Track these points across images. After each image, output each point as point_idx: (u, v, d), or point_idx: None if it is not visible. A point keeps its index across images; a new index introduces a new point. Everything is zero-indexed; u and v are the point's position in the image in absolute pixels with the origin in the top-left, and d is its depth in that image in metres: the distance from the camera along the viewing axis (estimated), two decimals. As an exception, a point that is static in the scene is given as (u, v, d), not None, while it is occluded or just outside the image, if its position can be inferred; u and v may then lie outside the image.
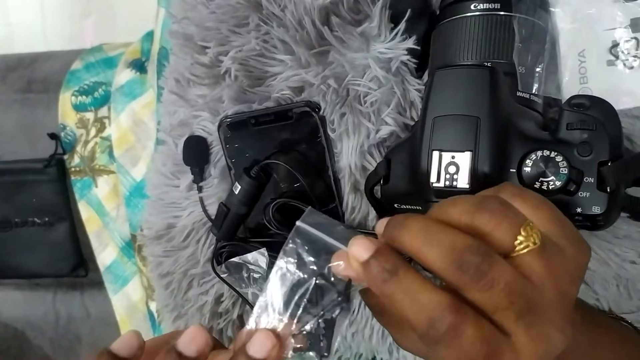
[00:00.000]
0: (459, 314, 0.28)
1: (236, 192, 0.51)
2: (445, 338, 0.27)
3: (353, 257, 0.30)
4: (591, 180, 0.38)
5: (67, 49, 1.03)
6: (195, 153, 0.53)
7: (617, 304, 0.48)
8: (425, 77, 0.49)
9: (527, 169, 0.38)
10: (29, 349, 0.92)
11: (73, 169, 0.83)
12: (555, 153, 0.38)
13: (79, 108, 0.83)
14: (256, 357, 0.31)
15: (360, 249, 0.30)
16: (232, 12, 0.51)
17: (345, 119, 0.49)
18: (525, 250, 0.29)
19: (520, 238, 0.29)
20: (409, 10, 0.48)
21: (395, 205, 0.45)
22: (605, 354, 0.41)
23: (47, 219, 0.84)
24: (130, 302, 0.80)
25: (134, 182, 0.77)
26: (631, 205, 0.44)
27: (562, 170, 0.37)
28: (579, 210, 0.38)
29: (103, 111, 0.83)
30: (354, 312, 0.53)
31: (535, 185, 0.38)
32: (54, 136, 0.82)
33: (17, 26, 1.67)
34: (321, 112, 0.49)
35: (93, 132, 0.82)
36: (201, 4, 0.52)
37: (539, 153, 0.38)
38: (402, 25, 0.48)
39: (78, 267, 0.85)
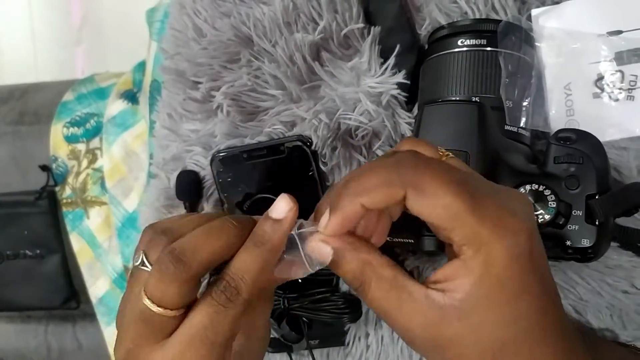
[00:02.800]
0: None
1: None
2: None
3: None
4: (579, 213, 0.38)
5: (58, 77, 1.03)
6: (188, 187, 0.53)
7: (612, 334, 0.49)
8: (415, 110, 0.50)
9: (517, 203, 0.39)
10: (20, 383, 0.91)
11: (64, 201, 0.83)
12: (544, 187, 0.39)
13: (70, 139, 0.83)
14: (276, 217, 0.32)
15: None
16: (223, 48, 0.52)
17: (337, 152, 0.50)
18: (450, 157, 0.33)
19: (440, 152, 0.33)
20: (398, 45, 0.49)
21: (388, 238, 0.46)
22: None
23: (38, 252, 0.83)
24: (122, 335, 0.80)
25: (126, 213, 0.77)
26: (621, 235, 0.44)
27: (550, 204, 0.38)
28: (568, 243, 0.38)
29: (95, 142, 0.83)
30: (348, 344, 0.53)
31: (525, 219, 0.38)
32: (45, 168, 0.82)
33: (8, 53, 1.67)
34: (313, 147, 0.50)
35: (85, 163, 0.82)
36: (193, 40, 0.53)
37: (528, 187, 0.39)
38: (391, 60, 0.49)
39: (70, 299, 0.85)
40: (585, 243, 0.38)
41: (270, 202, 0.51)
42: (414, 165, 0.29)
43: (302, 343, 0.54)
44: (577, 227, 0.38)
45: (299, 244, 0.32)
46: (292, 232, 0.32)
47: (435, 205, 0.28)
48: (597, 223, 0.38)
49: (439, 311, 0.28)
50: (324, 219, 0.31)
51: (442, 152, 0.33)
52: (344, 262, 0.31)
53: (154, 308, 0.30)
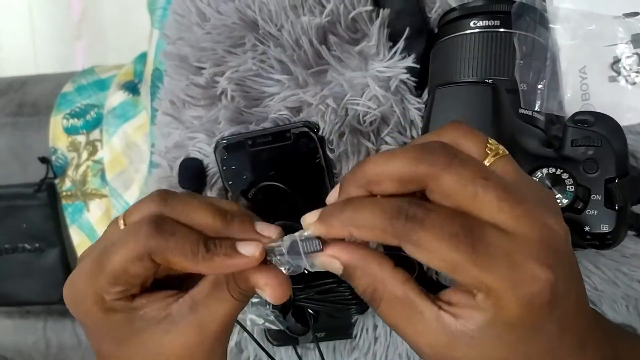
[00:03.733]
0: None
1: None
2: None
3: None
4: (598, 197, 0.37)
5: (58, 71, 1.02)
6: (192, 175, 0.52)
7: (629, 325, 0.47)
8: (425, 95, 0.49)
9: (534, 188, 0.37)
10: (19, 379, 0.90)
11: (64, 193, 0.82)
12: (561, 170, 0.37)
13: (70, 131, 0.82)
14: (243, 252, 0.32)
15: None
16: (227, 33, 0.50)
17: (344, 139, 0.48)
18: (498, 156, 0.29)
19: (489, 146, 0.29)
20: (407, 29, 0.48)
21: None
22: None
23: (37, 245, 0.82)
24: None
25: (127, 206, 0.76)
26: (638, 223, 0.43)
27: (568, 188, 0.37)
28: (587, 228, 0.37)
29: (95, 134, 0.82)
30: (355, 337, 0.52)
31: (542, 205, 0.37)
32: (44, 160, 0.81)
33: (7, 49, 1.66)
34: (320, 133, 0.49)
35: (85, 155, 0.81)
36: (196, 24, 0.52)
37: (545, 170, 0.38)
38: (400, 44, 0.48)
39: (69, 294, 0.84)
40: (605, 228, 0.37)
41: (276, 189, 0.50)
42: (405, 216, 0.27)
43: (308, 336, 0.52)
44: (595, 212, 0.37)
45: (302, 252, 0.31)
46: (297, 238, 0.32)
47: (432, 258, 0.27)
48: (616, 208, 0.37)
49: (449, 335, 0.28)
50: (309, 218, 0.31)
51: (490, 146, 0.29)
52: (354, 277, 0.30)
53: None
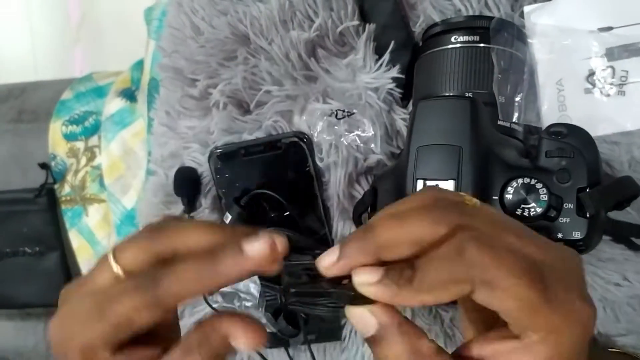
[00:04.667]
0: None
1: (226, 222, 0.52)
2: None
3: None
4: (571, 206, 0.39)
5: (57, 76, 1.04)
6: (187, 184, 0.54)
7: (605, 327, 0.49)
8: (410, 106, 0.51)
9: (509, 196, 0.39)
10: (20, 380, 0.91)
11: (64, 198, 0.83)
12: (535, 180, 0.39)
13: (69, 137, 0.84)
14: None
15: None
16: (220, 46, 0.52)
17: (334, 148, 0.50)
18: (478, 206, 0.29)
19: (466, 199, 0.29)
20: (392, 42, 0.49)
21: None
22: None
23: (37, 249, 0.84)
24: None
25: (125, 211, 0.77)
26: (613, 229, 0.45)
27: (542, 197, 0.39)
28: (560, 235, 0.39)
29: (93, 140, 0.83)
30: (344, 338, 0.54)
31: (517, 212, 0.39)
32: (44, 166, 0.82)
33: (6, 53, 1.68)
34: (310, 142, 0.51)
35: (83, 161, 0.83)
36: (190, 38, 0.54)
37: (520, 181, 0.39)
38: (386, 57, 0.49)
39: (69, 296, 0.85)
40: (577, 235, 0.39)
41: (267, 197, 0.52)
42: (479, 256, 0.26)
43: (299, 338, 0.54)
44: (568, 220, 0.39)
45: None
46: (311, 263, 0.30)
47: (508, 299, 0.26)
48: (587, 216, 0.38)
49: None
50: (367, 277, 0.27)
51: (468, 200, 0.30)
52: (386, 343, 0.27)
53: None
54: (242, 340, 0.29)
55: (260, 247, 0.29)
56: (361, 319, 0.28)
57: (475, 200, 0.30)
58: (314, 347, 0.55)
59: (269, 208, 0.53)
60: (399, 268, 0.27)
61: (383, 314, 0.27)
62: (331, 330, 0.54)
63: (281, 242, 0.30)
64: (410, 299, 0.26)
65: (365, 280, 0.27)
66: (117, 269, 0.30)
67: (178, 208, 0.56)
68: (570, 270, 0.28)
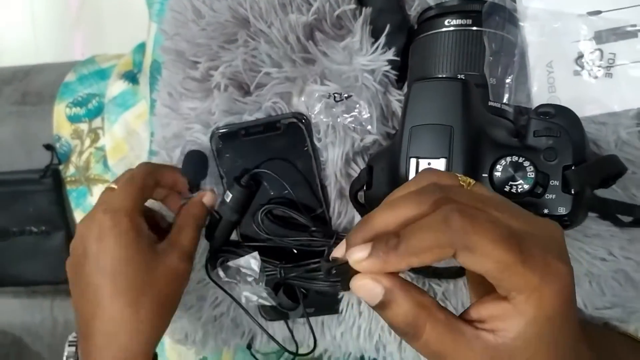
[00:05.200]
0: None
1: (227, 200, 0.53)
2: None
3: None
4: (556, 183, 0.40)
5: (58, 59, 1.04)
6: (195, 167, 0.55)
7: (591, 300, 0.51)
8: (406, 88, 0.52)
9: (498, 174, 0.41)
10: (28, 355, 0.93)
11: (68, 179, 0.85)
12: (523, 159, 0.41)
13: (73, 119, 0.85)
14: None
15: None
16: (221, 29, 0.54)
17: (331, 129, 0.52)
18: (473, 184, 0.32)
19: (461, 178, 0.32)
20: (388, 25, 0.51)
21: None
22: None
23: (43, 228, 0.86)
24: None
25: (128, 191, 0.79)
26: (600, 206, 0.47)
27: (529, 175, 0.40)
28: (545, 211, 0.41)
29: (97, 122, 0.85)
30: (341, 312, 0.56)
31: (505, 189, 0.41)
32: (49, 147, 0.83)
33: (8, 37, 1.68)
34: (308, 123, 0.52)
35: (87, 142, 0.84)
36: (192, 21, 0.55)
37: (508, 159, 0.41)
38: (382, 39, 0.51)
39: (75, 274, 0.87)
40: (562, 211, 0.40)
41: (267, 176, 0.54)
42: (461, 225, 0.28)
43: (298, 311, 0.56)
44: (554, 196, 0.41)
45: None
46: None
47: (487, 261, 0.28)
48: (572, 192, 0.40)
49: (492, 351, 0.29)
50: (359, 254, 0.30)
51: (463, 180, 0.33)
52: (395, 305, 0.30)
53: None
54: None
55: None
56: (367, 289, 0.30)
57: (469, 179, 0.32)
58: (312, 320, 0.57)
59: (268, 187, 0.55)
60: (384, 238, 0.30)
61: (386, 279, 0.30)
62: (329, 303, 0.56)
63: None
64: (397, 264, 0.29)
65: (358, 258, 0.30)
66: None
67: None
68: (549, 237, 0.30)
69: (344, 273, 0.31)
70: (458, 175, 0.33)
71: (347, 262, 0.31)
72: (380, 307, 0.30)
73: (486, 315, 0.30)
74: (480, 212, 0.29)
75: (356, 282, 0.31)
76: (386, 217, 0.31)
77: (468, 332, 0.30)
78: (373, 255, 0.30)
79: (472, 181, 0.33)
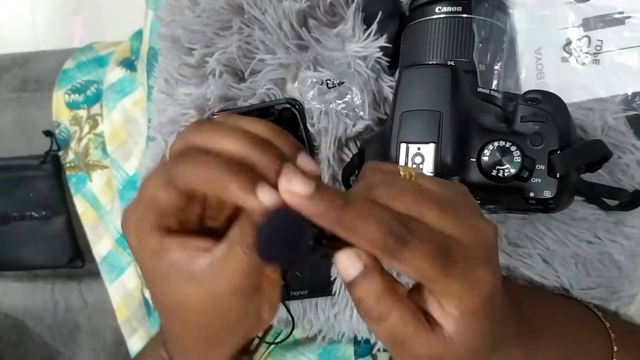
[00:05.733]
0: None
1: None
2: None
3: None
4: (542, 167, 0.42)
5: (57, 46, 1.05)
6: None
7: (577, 281, 0.52)
8: (397, 75, 0.53)
9: (485, 158, 0.42)
10: (29, 338, 0.95)
11: (68, 165, 0.86)
12: (510, 143, 0.42)
13: (72, 106, 0.86)
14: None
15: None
16: (216, 16, 0.54)
17: (324, 115, 0.53)
18: (414, 175, 0.33)
19: (401, 170, 0.34)
20: (380, 12, 0.52)
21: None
22: (551, 332, 0.44)
23: (44, 213, 0.87)
24: (126, 291, 0.83)
25: (127, 176, 0.80)
26: (587, 190, 0.48)
27: (516, 159, 0.41)
28: (531, 194, 0.42)
29: (95, 109, 0.85)
30: (335, 293, 0.57)
31: (492, 173, 0.42)
32: (48, 133, 0.84)
33: (7, 24, 1.69)
34: (301, 109, 0.53)
35: (86, 129, 0.85)
36: (187, 8, 0.56)
37: (496, 144, 0.42)
38: (374, 26, 0.52)
39: (75, 258, 0.88)
40: (547, 194, 0.42)
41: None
42: (396, 237, 0.29)
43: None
44: (539, 180, 0.42)
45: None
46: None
47: (413, 272, 0.30)
48: (558, 176, 0.41)
49: (442, 342, 0.32)
50: (303, 183, 0.28)
51: (404, 170, 0.34)
52: (368, 282, 0.31)
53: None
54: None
55: (268, 199, 0.30)
56: (349, 261, 0.31)
57: (411, 170, 0.34)
58: (307, 302, 0.59)
59: None
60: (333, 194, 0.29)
61: (368, 257, 0.31)
62: (322, 285, 0.57)
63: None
64: (328, 219, 0.28)
65: (300, 181, 0.29)
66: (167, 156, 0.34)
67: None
68: (479, 242, 0.32)
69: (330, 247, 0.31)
70: (400, 166, 0.34)
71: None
72: (355, 284, 0.31)
73: (437, 311, 0.32)
74: (414, 225, 0.30)
75: (339, 256, 0.31)
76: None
77: (425, 324, 0.32)
78: (316, 192, 0.28)
79: (414, 173, 0.34)
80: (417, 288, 0.34)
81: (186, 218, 0.34)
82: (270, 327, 0.62)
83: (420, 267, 0.30)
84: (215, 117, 0.35)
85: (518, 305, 0.39)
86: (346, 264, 0.31)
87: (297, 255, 0.29)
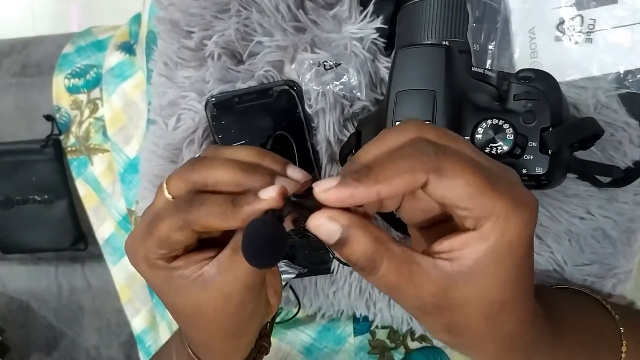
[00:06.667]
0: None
1: None
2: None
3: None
4: (534, 144, 0.42)
5: (55, 31, 1.05)
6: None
7: (571, 257, 0.54)
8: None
9: (479, 136, 0.43)
10: (34, 319, 0.96)
11: (69, 149, 0.87)
12: (503, 121, 0.43)
13: (72, 90, 0.87)
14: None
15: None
16: (214, -1, 0.55)
17: (321, 96, 0.53)
18: None
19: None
20: (376, -7, 0.52)
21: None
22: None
23: (46, 197, 0.88)
24: (128, 273, 0.85)
25: (128, 160, 0.81)
26: (580, 167, 0.49)
27: (508, 137, 0.42)
28: (524, 171, 0.43)
29: (95, 93, 0.86)
30: (333, 271, 0.58)
31: (486, 150, 0.43)
32: (49, 118, 0.85)
33: (5, 9, 1.68)
34: (299, 90, 0.54)
35: (87, 113, 0.86)
36: (185, -9, 0.56)
37: (489, 122, 0.43)
38: (370, 8, 0.52)
39: (78, 241, 0.90)
40: (539, 171, 0.42)
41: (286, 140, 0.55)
42: (433, 150, 0.30)
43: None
44: (532, 157, 0.43)
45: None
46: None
47: (458, 185, 0.29)
48: (549, 153, 0.42)
49: (447, 278, 0.30)
50: (326, 184, 0.30)
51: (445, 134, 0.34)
52: (354, 241, 0.31)
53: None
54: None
55: (272, 194, 0.34)
56: (323, 227, 0.31)
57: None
58: (306, 280, 0.60)
59: (289, 150, 0.56)
60: (354, 169, 0.30)
61: (343, 216, 0.31)
62: (321, 264, 0.58)
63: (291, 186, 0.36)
64: (367, 191, 0.29)
65: (325, 187, 0.30)
66: (167, 193, 0.38)
67: (178, 154, 0.59)
68: (513, 177, 0.33)
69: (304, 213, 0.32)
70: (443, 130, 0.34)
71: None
72: (339, 245, 0.31)
73: (448, 247, 0.31)
74: (452, 143, 0.31)
75: (313, 222, 0.31)
76: (361, 154, 0.32)
77: (424, 262, 0.31)
78: (341, 183, 0.30)
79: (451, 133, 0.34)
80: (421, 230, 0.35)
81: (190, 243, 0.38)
82: (280, 309, 0.64)
83: (464, 176, 0.29)
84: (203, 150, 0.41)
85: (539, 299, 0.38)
86: (323, 230, 0.31)
87: (277, 252, 0.32)
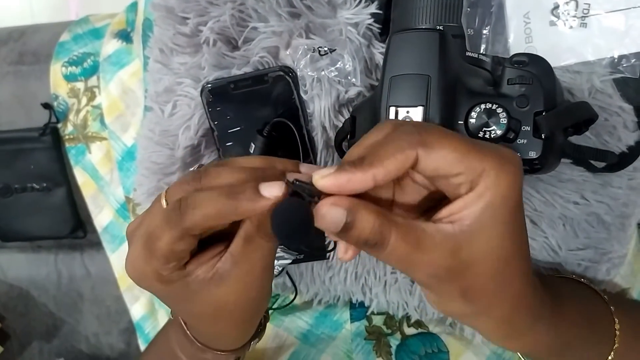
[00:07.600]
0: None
1: (252, 152, 0.55)
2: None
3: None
4: (528, 128, 0.43)
5: (53, 19, 1.05)
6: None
7: (565, 242, 0.54)
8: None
9: (473, 121, 0.43)
10: (34, 307, 0.97)
11: (67, 137, 0.87)
12: (497, 105, 0.43)
13: (69, 78, 0.87)
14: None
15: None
16: (209, -15, 0.55)
17: (317, 82, 0.54)
18: None
19: None
20: (371, -22, 0.52)
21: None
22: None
23: (45, 185, 0.88)
24: (127, 260, 0.85)
25: (125, 147, 0.81)
26: (575, 152, 0.49)
27: (502, 121, 0.42)
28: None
29: (93, 81, 0.86)
30: (329, 257, 0.59)
31: (479, 135, 0.43)
32: (47, 106, 0.85)
33: (3, -1, 1.68)
34: (294, 76, 0.54)
35: (84, 101, 0.86)
36: (180, -23, 0.56)
37: (482, 106, 0.43)
38: (365, -7, 0.52)
39: (77, 229, 0.90)
40: (532, 155, 0.43)
41: (285, 125, 0.55)
42: (417, 130, 0.32)
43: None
44: (525, 141, 0.43)
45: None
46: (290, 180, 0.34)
47: (446, 153, 0.31)
48: (543, 137, 0.42)
49: (452, 239, 0.32)
50: (325, 171, 0.32)
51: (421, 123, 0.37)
52: (361, 220, 0.31)
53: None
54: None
55: (275, 192, 0.34)
56: (328, 215, 0.31)
57: None
58: (303, 266, 0.60)
59: (287, 136, 0.56)
60: (350, 158, 0.33)
61: (344, 199, 0.32)
62: (317, 249, 0.59)
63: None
64: (364, 177, 0.31)
65: (323, 173, 0.32)
66: (164, 204, 0.37)
67: (174, 140, 0.59)
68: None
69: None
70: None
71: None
72: (347, 230, 0.32)
73: (446, 213, 0.33)
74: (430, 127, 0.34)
75: (319, 213, 0.32)
76: (351, 152, 0.34)
77: (428, 228, 0.32)
78: (339, 169, 0.32)
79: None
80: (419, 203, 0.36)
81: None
82: (277, 296, 0.64)
83: (450, 144, 0.31)
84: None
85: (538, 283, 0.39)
86: (329, 219, 0.32)
87: (308, 231, 0.32)
